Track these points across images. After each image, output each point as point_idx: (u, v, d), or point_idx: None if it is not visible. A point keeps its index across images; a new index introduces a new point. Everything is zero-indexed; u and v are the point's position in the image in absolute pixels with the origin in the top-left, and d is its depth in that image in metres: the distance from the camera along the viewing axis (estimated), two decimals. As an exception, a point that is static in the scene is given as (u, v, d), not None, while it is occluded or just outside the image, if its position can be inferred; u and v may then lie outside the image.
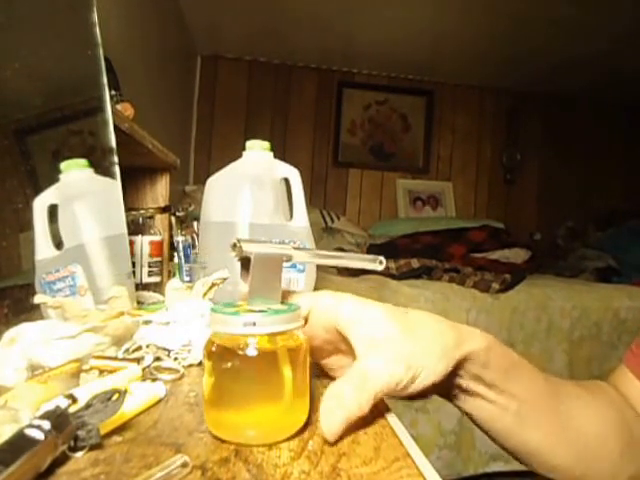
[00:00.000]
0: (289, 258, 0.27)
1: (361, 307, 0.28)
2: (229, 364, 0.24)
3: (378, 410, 0.29)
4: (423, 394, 0.28)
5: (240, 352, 0.24)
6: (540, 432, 0.32)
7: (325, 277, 1.54)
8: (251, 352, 0.24)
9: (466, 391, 0.30)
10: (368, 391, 0.25)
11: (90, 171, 0.55)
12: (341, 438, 0.25)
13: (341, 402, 0.24)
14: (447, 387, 0.30)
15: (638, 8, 1.67)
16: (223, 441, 0.25)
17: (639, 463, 0.35)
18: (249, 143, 0.58)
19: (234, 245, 0.26)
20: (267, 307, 0.26)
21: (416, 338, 0.27)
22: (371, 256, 0.32)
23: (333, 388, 0.25)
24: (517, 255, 1.95)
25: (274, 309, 0.26)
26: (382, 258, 0.31)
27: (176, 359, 0.38)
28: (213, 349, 0.25)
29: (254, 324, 0.24)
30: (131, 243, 0.74)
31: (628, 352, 0.40)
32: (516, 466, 1.51)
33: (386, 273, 1.63)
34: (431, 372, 0.26)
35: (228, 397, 0.25)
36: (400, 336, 0.27)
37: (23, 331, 0.33)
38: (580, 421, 0.34)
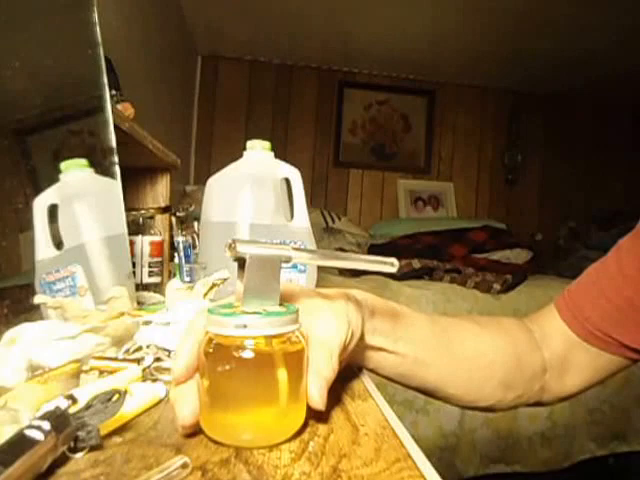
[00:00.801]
0: (288, 259, 0.27)
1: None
2: (225, 366, 0.24)
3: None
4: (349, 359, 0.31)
5: (236, 354, 0.24)
6: (435, 369, 0.37)
7: (326, 277, 1.54)
8: (247, 354, 0.24)
9: (369, 347, 0.34)
10: (333, 354, 0.27)
11: (90, 171, 0.55)
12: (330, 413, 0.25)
13: (319, 372, 0.26)
14: (355, 350, 0.32)
15: (638, 8, 1.67)
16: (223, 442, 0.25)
17: (521, 390, 0.41)
18: (250, 143, 0.58)
19: (229, 245, 0.26)
20: (262, 309, 0.26)
21: (336, 302, 0.30)
22: (382, 257, 0.29)
23: (310, 362, 0.26)
24: (518, 255, 1.94)
25: (270, 311, 0.25)
26: (394, 260, 0.29)
27: (176, 359, 0.38)
28: (210, 350, 0.24)
29: (245, 326, 0.24)
30: (131, 243, 0.74)
31: (560, 297, 0.45)
32: (516, 468, 1.50)
33: (387, 273, 1.63)
34: (358, 326, 0.30)
35: (224, 399, 0.24)
36: (327, 302, 0.30)
37: (23, 331, 0.33)
38: (467, 353, 0.39)
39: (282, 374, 0.24)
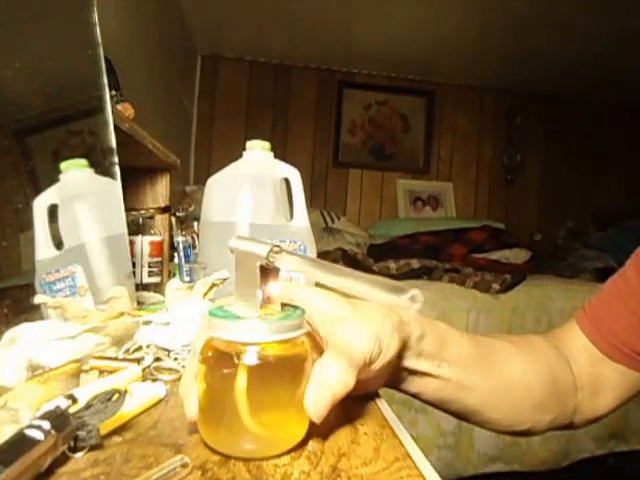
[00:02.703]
0: (271, 260, 0.24)
1: (327, 299, 0.28)
2: (225, 371, 0.23)
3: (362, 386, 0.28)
4: (375, 383, 0.30)
5: (235, 359, 0.23)
6: (476, 393, 0.35)
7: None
8: (249, 360, 0.23)
9: (412, 371, 0.32)
10: (349, 367, 0.24)
11: (90, 171, 0.55)
12: (332, 426, 0.25)
13: (326, 382, 0.24)
14: (394, 372, 0.31)
15: (638, 8, 1.67)
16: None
17: (557, 412, 0.39)
18: (249, 143, 0.58)
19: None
20: (265, 313, 0.24)
21: (372, 316, 0.28)
22: (399, 284, 0.20)
23: (317, 368, 0.24)
24: (517, 255, 1.95)
25: (273, 315, 0.24)
26: (417, 292, 0.19)
27: (176, 359, 0.38)
28: (210, 354, 0.23)
29: (247, 331, 0.23)
30: (131, 243, 0.74)
31: (580, 311, 0.43)
32: (515, 467, 1.50)
33: (386, 273, 1.63)
34: (390, 346, 0.27)
35: (221, 405, 0.23)
36: (359, 314, 0.28)
37: (23, 331, 0.33)
38: (509, 376, 0.37)
39: (286, 381, 0.23)
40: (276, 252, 0.24)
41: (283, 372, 0.23)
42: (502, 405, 0.37)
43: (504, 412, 0.37)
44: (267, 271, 0.25)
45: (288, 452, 0.24)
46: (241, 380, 0.23)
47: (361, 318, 0.27)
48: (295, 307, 0.26)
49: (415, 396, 0.34)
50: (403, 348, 0.29)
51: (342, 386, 0.24)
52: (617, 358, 0.40)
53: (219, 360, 0.23)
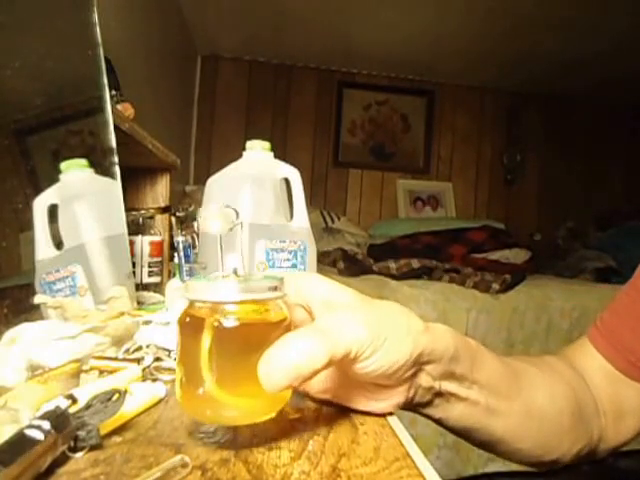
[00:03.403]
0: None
1: (332, 287, 0.27)
2: (203, 336, 0.22)
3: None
4: (389, 398, 0.27)
5: (215, 323, 0.22)
6: (505, 420, 0.31)
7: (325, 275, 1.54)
8: (228, 323, 0.22)
9: (438, 394, 0.28)
10: (325, 346, 0.21)
11: (90, 171, 0.55)
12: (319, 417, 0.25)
13: (288, 350, 0.21)
14: (416, 392, 0.28)
15: (638, 8, 1.67)
16: (223, 441, 0.24)
17: (586, 439, 0.36)
18: (249, 143, 0.58)
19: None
20: (246, 275, 0.24)
21: (383, 312, 0.25)
22: None
23: (285, 336, 0.22)
24: (517, 255, 1.95)
25: (254, 277, 0.24)
26: None
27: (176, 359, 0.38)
28: (187, 320, 0.23)
29: (224, 291, 0.22)
30: (131, 243, 0.74)
31: (592, 327, 0.40)
32: (514, 467, 1.50)
33: (386, 273, 1.63)
34: (396, 349, 0.24)
35: (202, 373, 0.22)
36: (365, 305, 0.26)
37: (23, 331, 0.33)
38: (538, 402, 0.33)
39: (267, 345, 0.22)
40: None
41: (262, 335, 0.22)
42: (532, 433, 0.33)
43: (534, 441, 0.34)
44: None
45: (291, 438, 0.24)
46: (219, 344, 0.22)
47: (366, 309, 0.25)
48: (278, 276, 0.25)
49: (439, 422, 0.31)
50: (424, 362, 0.26)
51: (306, 359, 0.21)
52: (636, 376, 0.37)
53: (191, 324, 0.23)
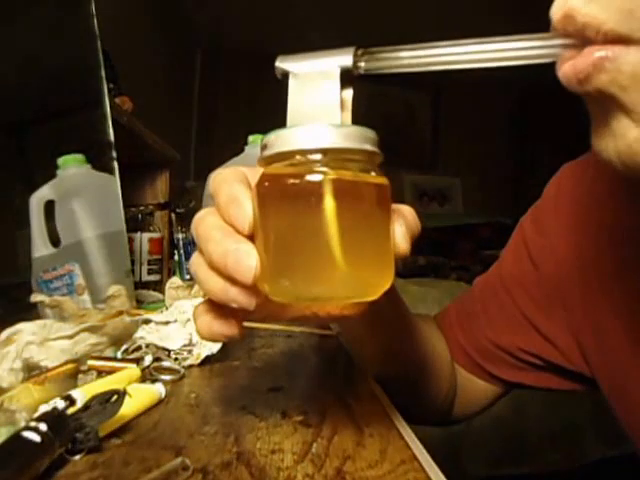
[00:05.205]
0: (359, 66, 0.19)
1: None
2: (288, 199, 0.18)
3: None
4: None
5: (301, 179, 0.17)
6: (406, 358, 0.37)
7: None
8: (315, 177, 0.17)
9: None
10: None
11: (88, 167, 0.54)
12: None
13: (407, 218, 0.21)
14: None
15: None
16: (225, 444, 0.24)
17: (448, 387, 0.42)
18: (251, 137, 0.58)
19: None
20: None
21: None
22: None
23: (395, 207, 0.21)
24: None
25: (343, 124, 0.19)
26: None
27: (176, 359, 0.38)
28: (266, 184, 0.18)
29: (311, 139, 0.18)
30: (130, 240, 0.73)
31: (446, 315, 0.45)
32: (525, 470, 1.48)
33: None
34: None
35: (288, 245, 0.18)
36: None
37: (19, 331, 0.33)
38: (437, 351, 0.40)
39: (369, 211, 0.18)
40: (362, 54, 0.19)
41: (362, 197, 0.18)
42: (433, 372, 0.39)
43: (437, 380, 0.39)
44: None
45: (293, 440, 0.24)
46: (308, 206, 0.17)
47: None
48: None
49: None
50: None
51: (416, 225, 0.21)
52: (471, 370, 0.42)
53: (278, 187, 0.18)
